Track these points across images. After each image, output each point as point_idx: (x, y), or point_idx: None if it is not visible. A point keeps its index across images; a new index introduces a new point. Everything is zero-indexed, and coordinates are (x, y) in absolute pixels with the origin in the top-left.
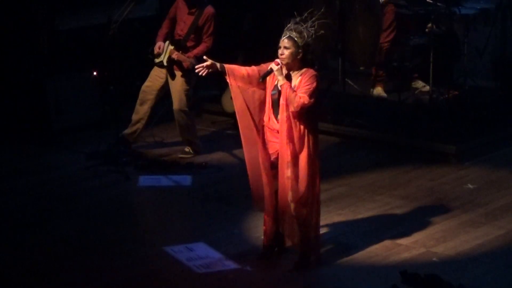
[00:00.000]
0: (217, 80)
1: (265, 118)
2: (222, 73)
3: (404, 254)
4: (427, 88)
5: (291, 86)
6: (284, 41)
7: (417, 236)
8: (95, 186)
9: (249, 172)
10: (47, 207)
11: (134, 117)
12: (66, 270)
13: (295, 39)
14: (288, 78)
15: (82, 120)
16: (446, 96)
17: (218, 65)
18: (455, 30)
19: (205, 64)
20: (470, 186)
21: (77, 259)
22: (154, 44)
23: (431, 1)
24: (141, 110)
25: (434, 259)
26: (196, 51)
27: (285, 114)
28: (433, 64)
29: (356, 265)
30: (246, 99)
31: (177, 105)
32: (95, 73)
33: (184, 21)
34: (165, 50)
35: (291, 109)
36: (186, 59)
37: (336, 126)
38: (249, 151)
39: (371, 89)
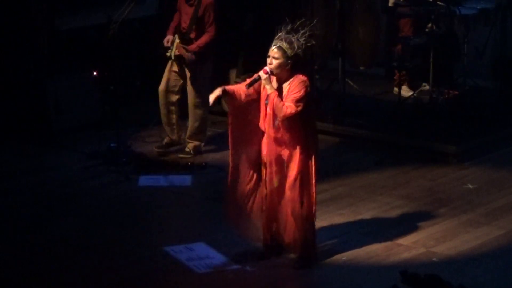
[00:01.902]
0: (217, 80)
1: (263, 126)
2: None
3: (404, 254)
4: (427, 87)
5: (278, 95)
6: (273, 51)
7: (417, 236)
8: (95, 186)
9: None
10: (47, 207)
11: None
12: (66, 270)
13: (285, 49)
14: (279, 86)
15: (82, 120)
16: (446, 96)
17: (219, 90)
18: (455, 30)
19: (212, 98)
20: (470, 186)
21: (77, 259)
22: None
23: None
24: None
25: (434, 259)
26: (199, 42)
27: (276, 122)
28: (433, 64)
29: (356, 265)
30: (243, 113)
31: (191, 97)
32: (95, 73)
33: (186, 12)
34: (174, 44)
35: (278, 118)
36: (185, 53)
37: (336, 126)
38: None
39: (396, 89)
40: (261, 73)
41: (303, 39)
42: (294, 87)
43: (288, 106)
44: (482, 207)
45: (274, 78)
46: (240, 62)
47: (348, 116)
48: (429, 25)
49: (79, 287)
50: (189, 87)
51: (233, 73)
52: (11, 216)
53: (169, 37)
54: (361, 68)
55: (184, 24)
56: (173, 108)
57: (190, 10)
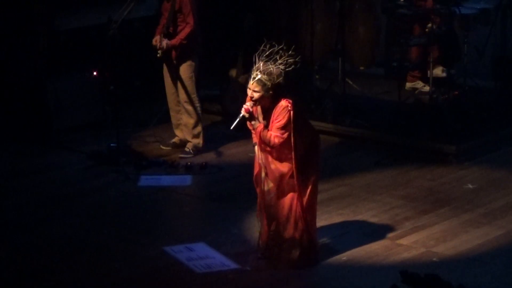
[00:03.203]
0: (217, 80)
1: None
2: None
3: (404, 254)
4: (427, 88)
5: (263, 128)
6: (253, 85)
7: (417, 236)
8: (95, 186)
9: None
10: (47, 207)
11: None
12: (66, 270)
13: (264, 81)
14: (264, 112)
15: (82, 120)
16: (446, 96)
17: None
18: (455, 30)
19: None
20: (470, 186)
21: (77, 259)
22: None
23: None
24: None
25: (434, 259)
26: (180, 35)
27: (267, 149)
28: (433, 64)
29: (356, 265)
30: None
31: (182, 93)
32: (95, 73)
33: (166, 10)
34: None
35: (268, 148)
36: (163, 42)
37: (336, 126)
38: None
39: (408, 84)
40: (242, 112)
41: (283, 65)
42: (277, 115)
43: (275, 136)
44: (482, 207)
45: (258, 107)
46: (240, 62)
47: (348, 116)
48: (429, 25)
49: (79, 287)
50: (179, 84)
51: (233, 73)
52: (11, 216)
53: (157, 37)
54: (361, 68)
55: (165, 21)
56: (180, 108)
57: (169, 6)
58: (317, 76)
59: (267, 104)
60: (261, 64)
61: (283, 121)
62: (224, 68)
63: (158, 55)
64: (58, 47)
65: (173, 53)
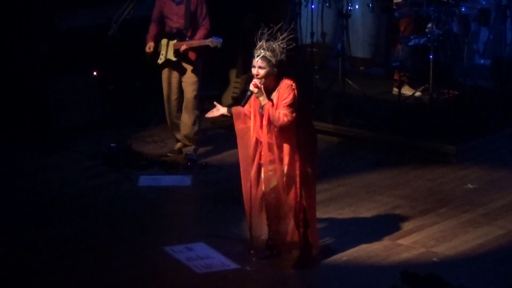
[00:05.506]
0: (217, 80)
1: (258, 134)
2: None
3: (404, 254)
4: (418, 93)
5: (272, 105)
6: (258, 62)
7: (417, 236)
8: (95, 186)
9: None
10: (47, 207)
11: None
12: (66, 270)
13: (269, 58)
14: (267, 94)
15: (82, 120)
16: (446, 96)
17: (225, 110)
18: (455, 30)
19: (215, 113)
20: (470, 186)
21: (77, 259)
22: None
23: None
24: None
25: (434, 259)
26: (197, 37)
27: (272, 129)
28: (433, 64)
29: (356, 265)
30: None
31: (190, 92)
32: (95, 73)
33: (176, 13)
34: (166, 47)
35: (276, 127)
36: (202, 42)
37: (336, 126)
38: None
39: (395, 89)
40: (251, 87)
41: (284, 43)
42: (282, 93)
43: (284, 114)
44: (482, 207)
45: (262, 88)
46: (240, 62)
47: (348, 116)
48: (429, 25)
49: (79, 287)
50: (187, 85)
51: (233, 73)
52: (11, 216)
53: (150, 44)
54: (361, 68)
55: (177, 25)
56: (179, 114)
57: (180, 9)
58: (317, 76)
59: (271, 84)
60: (264, 43)
61: (289, 99)
62: (224, 68)
63: (160, 61)
64: (58, 47)
65: (191, 55)
